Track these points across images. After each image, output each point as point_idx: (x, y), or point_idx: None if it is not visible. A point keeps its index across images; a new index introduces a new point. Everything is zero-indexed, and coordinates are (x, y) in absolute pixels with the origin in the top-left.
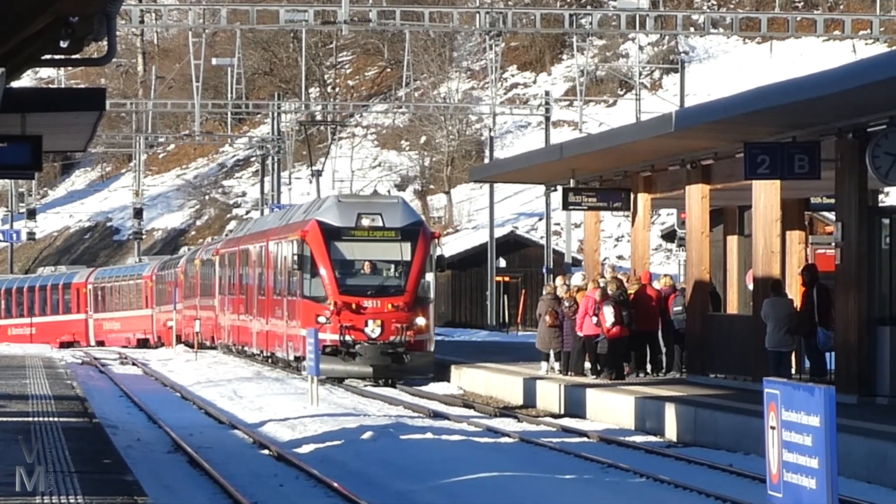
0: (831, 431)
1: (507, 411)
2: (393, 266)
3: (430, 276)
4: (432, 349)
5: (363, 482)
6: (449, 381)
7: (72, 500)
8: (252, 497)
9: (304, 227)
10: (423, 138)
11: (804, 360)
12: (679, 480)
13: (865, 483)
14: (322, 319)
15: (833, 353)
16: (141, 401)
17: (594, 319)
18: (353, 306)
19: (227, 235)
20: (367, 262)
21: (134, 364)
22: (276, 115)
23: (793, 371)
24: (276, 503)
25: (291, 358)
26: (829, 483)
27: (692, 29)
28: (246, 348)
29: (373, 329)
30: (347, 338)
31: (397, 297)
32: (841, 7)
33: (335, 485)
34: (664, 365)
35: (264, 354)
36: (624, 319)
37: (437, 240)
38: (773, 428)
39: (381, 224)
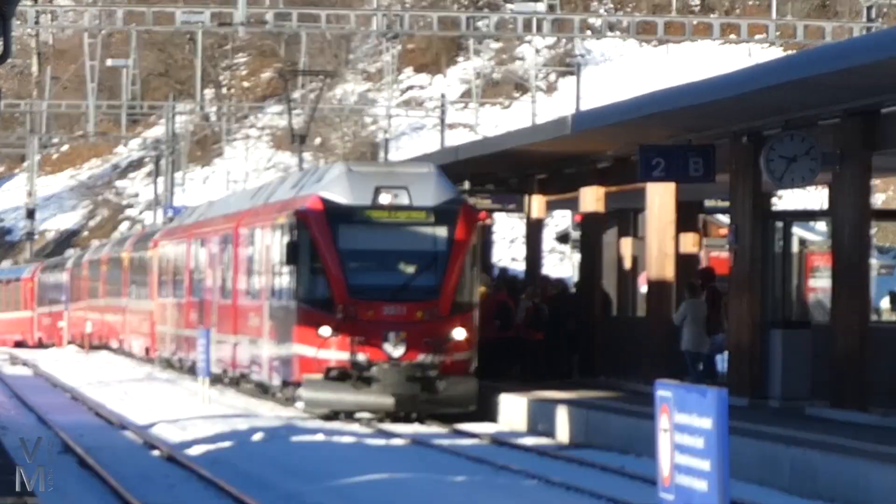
0: (723, 434)
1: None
2: (423, 259)
3: (473, 273)
4: (473, 371)
5: (254, 483)
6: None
7: None
8: (142, 498)
9: (301, 204)
10: (318, 140)
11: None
12: (571, 482)
13: (757, 485)
14: (325, 332)
15: (725, 356)
16: (30, 400)
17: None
18: (369, 314)
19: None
20: (387, 254)
21: (23, 363)
22: (170, 116)
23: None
24: (165, 501)
25: (276, 383)
26: (720, 485)
27: (589, 32)
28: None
29: (395, 345)
30: (360, 357)
31: (429, 301)
32: (737, 11)
33: (226, 486)
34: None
35: (229, 375)
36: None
37: (482, 223)
38: (665, 430)
39: (407, 202)
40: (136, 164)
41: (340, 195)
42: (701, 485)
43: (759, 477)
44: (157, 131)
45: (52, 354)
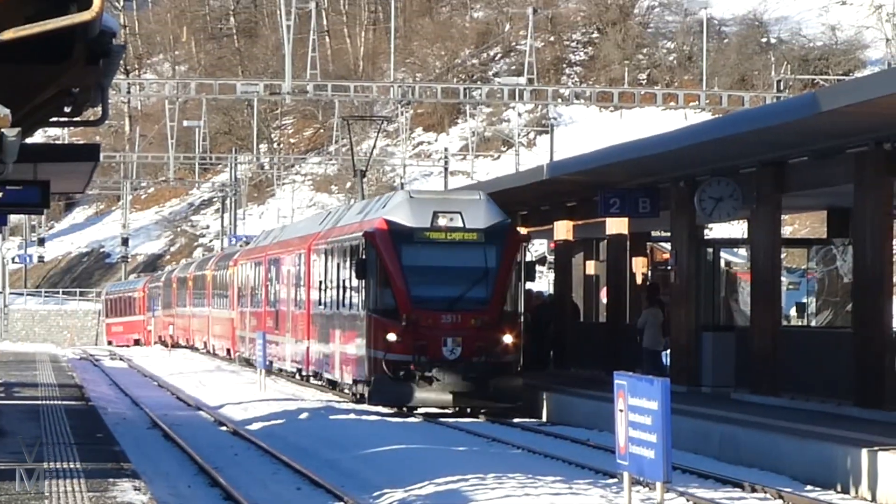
0: (666, 414)
1: None
2: (476, 274)
3: (518, 287)
4: (519, 370)
5: (300, 452)
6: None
7: (72, 466)
8: (213, 463)
9: (370, 227)
10: (349, 184)
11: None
12: (548, 451)
13: (692, 454)
14: (392, 337)
15: (668, 353)
16: (125, 387)
17: None
18: (429, 322)
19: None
20: (444, 270)
21: (120, 358)
22: (233, 165)
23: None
24: (232, 468)
25: (348, 381)
26: (664, 454)
27: (560, 100)
28: (275, 364)
29: (452, 349)
30: (422, 359)
31: (481, 310)
32: (675, 84)
33: (279, 454)
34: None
35: (303, 373)
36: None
37: (525, 243)
38: (621, 411)
39: (461, 224)
40: (206, 203)
41: (403, 218)
42: (649, 453)
43: (694, 447)
44: (223, 177)
45: (142, 351)
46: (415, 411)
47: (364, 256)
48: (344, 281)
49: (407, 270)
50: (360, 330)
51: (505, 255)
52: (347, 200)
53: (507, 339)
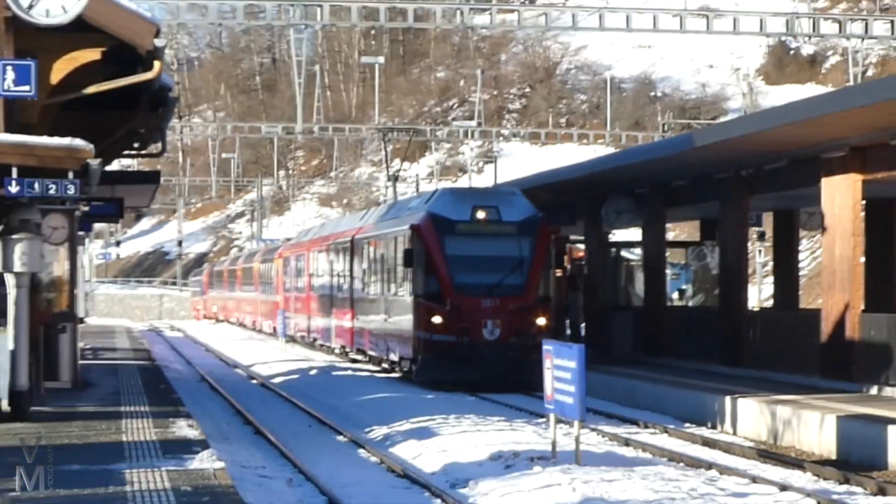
0: (581, 370)
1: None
2: (511, 263)
3: (549, 273)
4: None
5: (310, 398)
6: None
7: (142, 409)
8: (246, 406)
9: (416, 220)
10: (346, 201)
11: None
12: (497, 400)
13: (601, 399)
14: (437, 320)
15: (584, 326)
16: (181, 350)
17: None
18: (470, 306)
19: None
20: (484, 259)
21: (178, 330)
22: (259, 186)
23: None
24: (260, 411)
25: (393, 358)
26: (580, 400)
27: (501, 138)
28: (318, 341)
29: (491, 331)
30: (464, 339)
31: (517, 296)
32: (587, 126)
33: (294, 399)
34: None
35: (346, 350)
36: None
37: (555, 235)
38: (548, 368)
39: (497, 217)
40: (239, 215)
41: (446, 212)
42: (569, 399)
43: (603, 396)
44: (252, 195)
45: (195, 325)
46: (374, 362)
47: (410, 247)
48: (389, 269)
49: (450, 259)
50: (406, 313)
51: (537, 245)
52: (344, 213)
53: (541, 321)
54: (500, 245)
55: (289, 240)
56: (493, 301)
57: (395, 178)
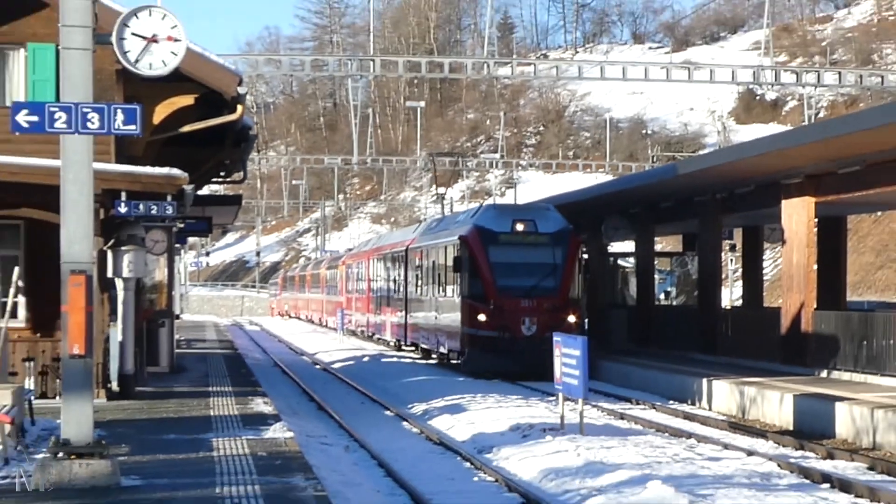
0: (584, 357)
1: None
2: (546, 268)
3: (579, 278)
4: None
5: (363, 380)
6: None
7: (226, 389)
8: (310, 386)
9: (463, 231)
10: (393, 219)
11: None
12: (517, 382)
13: (602, 382)
14: (482, 317)
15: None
16: (258, 341)
17: None
18: (511, 306)
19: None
20: (523, 265)
21: (256, 325)
22: (323, 207)
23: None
24: (322, 391)
25: (443, 350)
26: (583, 382)
27: (520, 167)
28: (375, 335)
29: (528, 327)
30: (506, 335)
31: (551, 297)
32: (590, 158)
33: (349, 381)
34: None
35: (400, 343)
36: None
37: (583, 245)
38: (557, 356)
39: (534, 229)
40: (307, 230)
41: (490, 224)
42: (574, 381)
43: (603, 378)
44: (316, 215)
45: (269, 320)
46: (416, 351)
47: (459, 254)
48: (439, 273)
49: (493, 265)
50: (455, 312)
51: (569, 253)
52: (392, 229)
53: (571, 318)
54: (537, 253)
55: (350, 250)
56: (531, 301)
57: (441, 197)
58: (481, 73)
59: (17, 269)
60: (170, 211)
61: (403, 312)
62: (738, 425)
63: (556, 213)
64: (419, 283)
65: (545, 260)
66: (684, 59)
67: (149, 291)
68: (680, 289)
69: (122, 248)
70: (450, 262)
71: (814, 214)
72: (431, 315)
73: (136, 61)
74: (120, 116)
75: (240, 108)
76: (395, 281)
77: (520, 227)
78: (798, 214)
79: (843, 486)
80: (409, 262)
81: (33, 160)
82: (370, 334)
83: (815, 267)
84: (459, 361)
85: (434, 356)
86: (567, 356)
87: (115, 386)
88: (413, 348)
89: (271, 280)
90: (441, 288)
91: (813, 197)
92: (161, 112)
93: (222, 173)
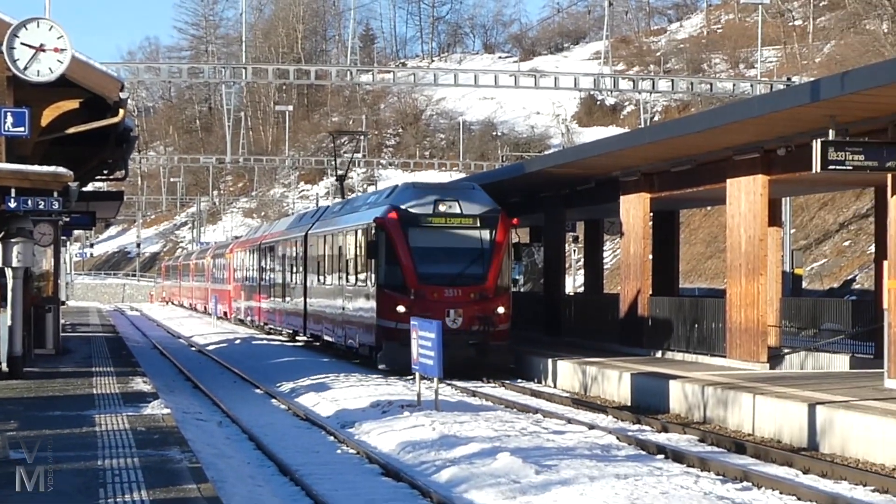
0: (439, 340)
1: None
2: (472, 253)
3: (509, 265)
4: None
5: (234, 360)
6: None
7: (108, 369)
8: (187, 367)
9: (379, 213)
10: (263, 213)
11: None
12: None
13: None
14: (401, 309)
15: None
16: (138, 325)
17: None
18: (434, 295)
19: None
20: (446, 250)
21: (136, 310)
22: (199, 202)
23: None
24: (198, 371)
25: (354, 344)
26: (437, 361)
27: (381, 166)
28: (267, 325)
29: (454, 319)
30: None
31: (478, 285)
32: (445, 158)
33: (222, 361)
34: None
35: (297, 336)
36: None
37: (514, 227)
38: (414, 339)
39: (458, 211)
40: (183, 224)
41: (409, 205)
42: (429, 362)
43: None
44: (192, 209)
45: (149, 306)
46: (284, 334)
47: (374, 239)
48: (348, 260)
49: (413, 251)
50: (368, 301)
51: (498, 237)
52: (261, 223)
53: (501, 310)
54: (462, 237)
55: (238, 238)
56: (456, 290)
57: (341, 179)
58: (345, 80)
59: None
60: (56, 206)
61: (302, 301)
62: (581, 401)
63: (483, 192)
64: (321, 270)
65: (472, 245)
66: (531, 67)
67: (37, 280)
68: (527, 277)
69: (12, 240)
70: (360, 248)
71: (649, 209)
72: (337, 305)
73: (26, 68)
74: (10, 119)
75: (122, 111)
76: (292, 268)
77: (442, 207)
78: (635, 209)
79: (677, 456)
80: (309, 247)
81: None
82: (262, 324)
83: (651, 257)
84: (372, 356)
85: (343, 351)
86: (423, 339)
87: (4, 367)
88: (314, 339)
89: (156, 269)
90: (349, 276)
91: (648, 193)
92: (49, 115)
93: (105, 171)
